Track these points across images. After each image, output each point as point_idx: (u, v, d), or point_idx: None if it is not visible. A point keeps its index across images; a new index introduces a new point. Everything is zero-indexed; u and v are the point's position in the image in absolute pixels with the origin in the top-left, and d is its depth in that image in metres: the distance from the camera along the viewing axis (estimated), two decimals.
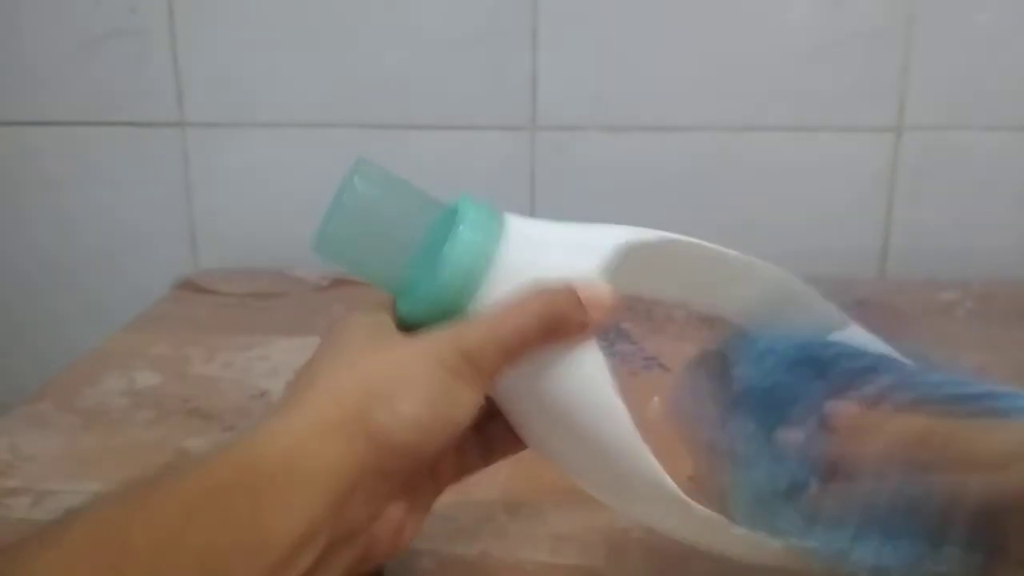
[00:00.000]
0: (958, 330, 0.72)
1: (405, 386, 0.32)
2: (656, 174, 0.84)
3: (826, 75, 0.81)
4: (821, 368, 0.35)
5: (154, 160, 0.88)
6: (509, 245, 0.35)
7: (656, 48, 0.82)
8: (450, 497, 0.49)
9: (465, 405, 0.33)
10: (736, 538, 0.35)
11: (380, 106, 0.85)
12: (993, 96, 0.81)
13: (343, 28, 0.83)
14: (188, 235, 0.89)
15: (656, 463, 0.35)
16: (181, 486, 0.30)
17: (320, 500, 0.30)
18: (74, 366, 0.67)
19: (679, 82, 0.82)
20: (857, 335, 0.38)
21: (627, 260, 0.36)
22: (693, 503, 0.35)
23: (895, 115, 0.81)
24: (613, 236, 0.37)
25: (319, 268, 0.84)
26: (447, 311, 0.34)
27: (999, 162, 0.82)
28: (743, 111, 0.83)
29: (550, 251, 0.36)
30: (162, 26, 0.84)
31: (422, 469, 0.35)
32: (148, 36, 0.84)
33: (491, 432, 0.38)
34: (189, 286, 0.83)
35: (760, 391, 0.35)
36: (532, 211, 0.86)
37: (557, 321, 0.34)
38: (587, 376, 0.35)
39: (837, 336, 0.38)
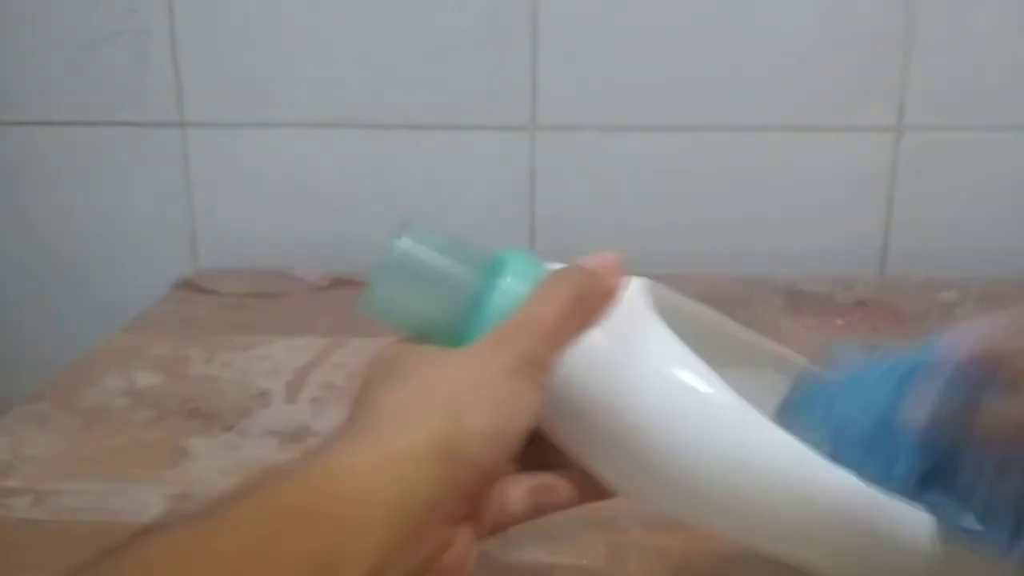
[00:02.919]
0: None
1: (472, 398, 0.31)
2: (656, 174, 0.84)
3: (826, 75, 0.81)
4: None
5: (154, 160, 0.88)
6: None
7: (656, 48, 0.82)
8: None
9: (530, 406, 0.32)
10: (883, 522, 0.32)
11: (380, 106, 0.85)
12: (993, 96, 0.81)
13: (343, 28, 0.83)
14: (188, 235, 0.89)
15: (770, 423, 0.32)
16: (248, 512, 0.28)
17: (396, 529, 0.29)
18: (74, 366, 0.67)
19: (679, 82, 0.82)
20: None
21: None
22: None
23: (895, 115, 0.81)
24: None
25: (319, 268, 0.84)
26: None
27: (999, 162, 0.82)
28: (743, 111, 0.83)
29: None
30: (162, 26, 0.84)
31: (489, 488, 0.33)
32: (148, 36, 0.84)
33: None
34: (189, 286, 0.83)
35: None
36: (532, 211, 0.86)
37: (586, 295, 0.34)
38: (660, 350, 0.34)
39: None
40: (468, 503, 0.32)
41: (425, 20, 0.82)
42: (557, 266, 0.36)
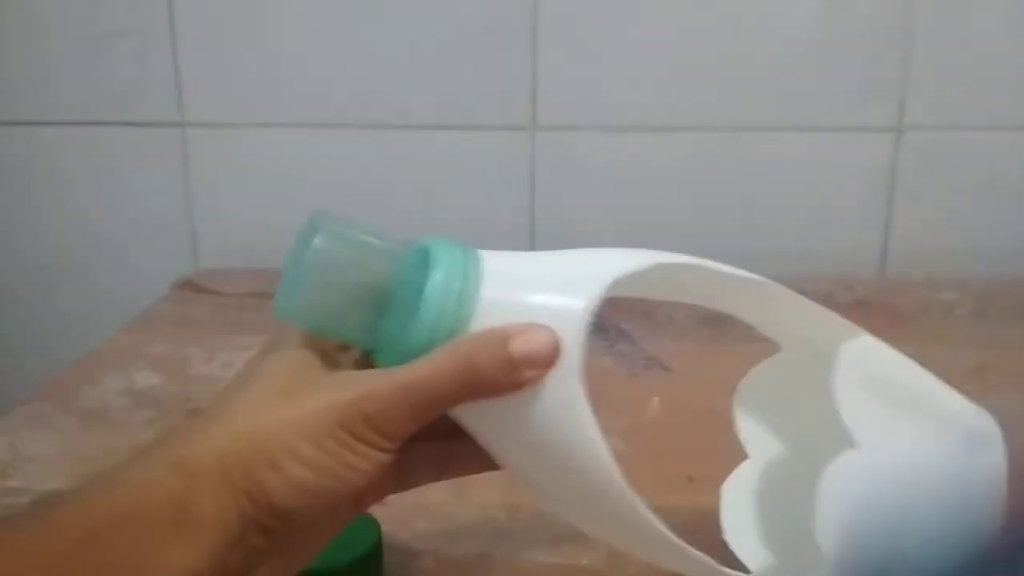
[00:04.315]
0: (958, 330, 0.72)
1: (295, 447, 0.30)
2: (656, 174, 0.84)
3: (826, 75, 0.81)
4: None
5: (154, 160, 0.88)
6: (488, 287, 0.32)
7: (655, 48, 0.82)
8: (450, 497, 0.49)
9: (363, 469, 0.31)
10: None
11: (380, 106, 0.85)
12: (993, 96, 0.81)
13: (343, 28, 0.83)
14: (188, 235, 0.89)
15: (643, 508, 0.32)
16: (54, 530, 0.28)
17: (203, 554, 0.29)
18: (74, 366, 0.67)
19: (679, 82, 0.82)
20: (869, 345, 0.36)
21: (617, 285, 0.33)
22: (684, 545, 0.33)
23: (895, 115, 0.81)
24: (597, 271, 0.33)
25: None
26: None
27: (999, 162, 0.82)
28: (743, 111, 0.83)
29: (532, 291, 0.33)
30: (162, 26, 0.84)
31: (308, 527, 0.32)
32: (148, 36, 0.84)
33: (451, 450, 0.35)
34: (189, 286, 0.83)
35: None
36: (532, 211, 0.86)
37: (477, 384, 0.31)
38: (563, 413, 0.32)
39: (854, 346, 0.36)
40: (271, 540, 0.31)
41: (425, 20, 0.82)
42: (490, 254, 0.33)
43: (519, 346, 0.31)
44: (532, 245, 0.87)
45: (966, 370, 0.64)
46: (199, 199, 0.89)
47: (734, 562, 0.36)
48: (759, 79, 0.81)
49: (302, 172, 0.87)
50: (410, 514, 0.47)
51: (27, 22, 0.85)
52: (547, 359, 0.31)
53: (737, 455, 0.41)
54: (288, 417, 0.31)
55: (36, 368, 0.74)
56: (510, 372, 0.31)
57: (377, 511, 0.41)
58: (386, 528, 0.42)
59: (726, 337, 0.69)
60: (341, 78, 0.84)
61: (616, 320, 0.73)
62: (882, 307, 0.75)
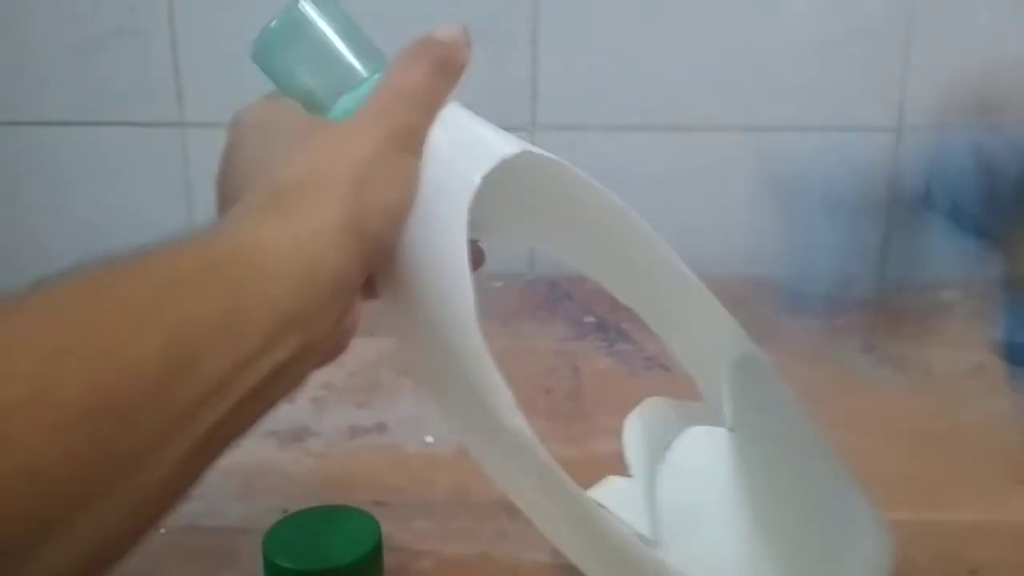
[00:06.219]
0: (958, 330, 0.72)
1: (369, 173, 0.32)
2: (656, 174, 0.84)
3: (826, 75, 0.81)
4: None
5: (154, 160, 0.88)
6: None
7: (656, 48, 0.82)
8: (450, 497, 0.49)
9: (416, 178, 0.33)
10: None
11: None
12: None
13: None
14: None
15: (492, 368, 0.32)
16: (154, 265, 0.28)
17: (302, 302, 0.29)
18: None
19: (679, 82, 0.82)
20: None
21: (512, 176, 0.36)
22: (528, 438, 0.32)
23: (895, 115, 0.82)
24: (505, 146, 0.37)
25: None
26: None
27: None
28: (743, 111, 0.83)
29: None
30: (162, 26, 0.84)
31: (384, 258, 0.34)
32: (148, 36, 0.84)
33: None
34: None
35: None
36: None
37: (444, 64, 0.37)
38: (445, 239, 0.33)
39: None
40: (367, 275, 0.32)
41: (424, 20, 0.82)
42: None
43: (439, 34, 0.39)
44: None
45: (966, 370, 0.64)
46: (199, 199, 0.89)
47: None
48: (759, 79, 0.81)
49: None
50: (410, 514, 0.48)
51: (27, 22, 0.85)
52: (464, 38, 0.39)
53: None
54: (346, 149, 0.32)
55: None
56: (451, 52, 0.38)
57: (377, 511, 0.41)
58: (386, 528, 0.42)
59: None
60: None
61: (616, 320, 0.73)
62: (882, 307, 0.75)
